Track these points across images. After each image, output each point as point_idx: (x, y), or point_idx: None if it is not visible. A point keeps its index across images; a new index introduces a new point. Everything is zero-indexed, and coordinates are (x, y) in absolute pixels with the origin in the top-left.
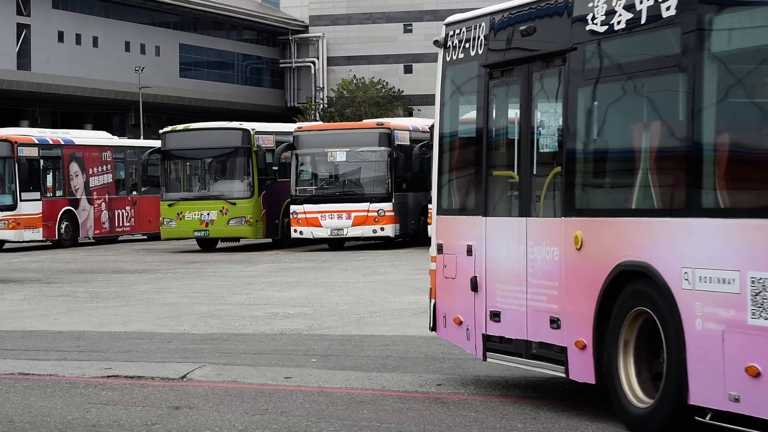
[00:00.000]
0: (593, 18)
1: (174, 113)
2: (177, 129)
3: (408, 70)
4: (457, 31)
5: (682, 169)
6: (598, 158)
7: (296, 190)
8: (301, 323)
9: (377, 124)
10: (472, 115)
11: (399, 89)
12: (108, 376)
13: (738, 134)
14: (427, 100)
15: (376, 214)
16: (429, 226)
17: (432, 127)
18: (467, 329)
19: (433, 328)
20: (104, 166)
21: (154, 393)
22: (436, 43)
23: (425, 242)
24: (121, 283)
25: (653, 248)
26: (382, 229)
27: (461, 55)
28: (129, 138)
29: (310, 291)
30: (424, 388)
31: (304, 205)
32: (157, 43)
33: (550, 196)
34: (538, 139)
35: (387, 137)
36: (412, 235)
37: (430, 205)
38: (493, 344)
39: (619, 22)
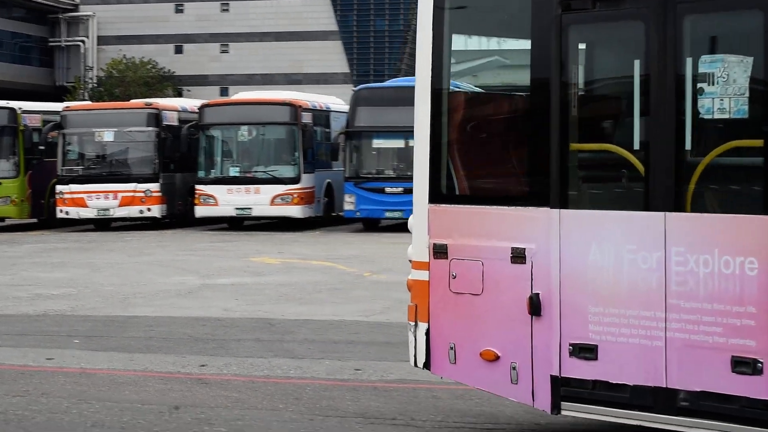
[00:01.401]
0: None
1: None
2: None
3: (179, 50)
4: None
5: None
6: None
7: (63, 169)
8: (65, 304)
9: (145, 104)
10: (517, 60)
11: (169, 69)
12: None
13: None
14: (198, 80)
15: (143, 194)
16: (198, 207)
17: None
18: (514, 368)
19: (427, 364)
20: None
21: None
22: None
23: (193, 223)
24: None
25: None
26: (149, 209)
27: None
28: None
29: (75, 272)
30: (186, 369)
31: (71, 185)
32: None
33: (725, 183)
34: (696, 101)
35: (155, 117)
36: (179, 216)
37: (199, 186)
38: (574, 391)
39: None
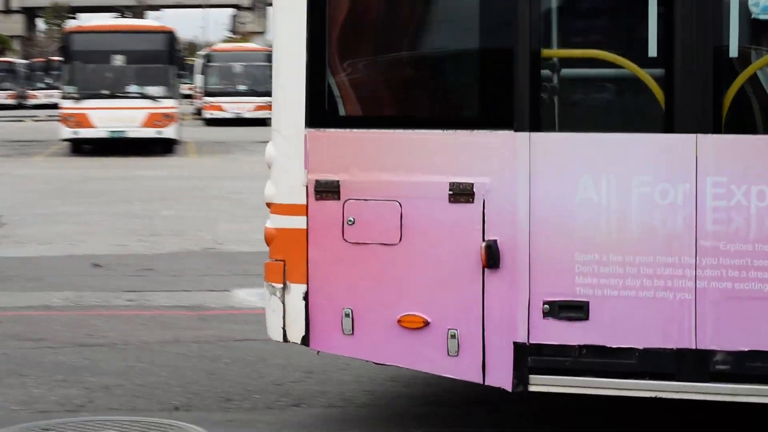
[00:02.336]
0: None
1: None
2: None
3: None
4: None
5: None
6: None
7: None
8: None
9: None
10: None
11: None
12: None
13: None
14: None
15: None
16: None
17: None
18: (453, 337)
19: (306, 338)
20: None
21: None
22: None
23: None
24: None
25: None
26: None
27: None
28: None
29: None
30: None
31: None
32: None
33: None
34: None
35: None
36: None
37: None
38: (550, 360)
39: None
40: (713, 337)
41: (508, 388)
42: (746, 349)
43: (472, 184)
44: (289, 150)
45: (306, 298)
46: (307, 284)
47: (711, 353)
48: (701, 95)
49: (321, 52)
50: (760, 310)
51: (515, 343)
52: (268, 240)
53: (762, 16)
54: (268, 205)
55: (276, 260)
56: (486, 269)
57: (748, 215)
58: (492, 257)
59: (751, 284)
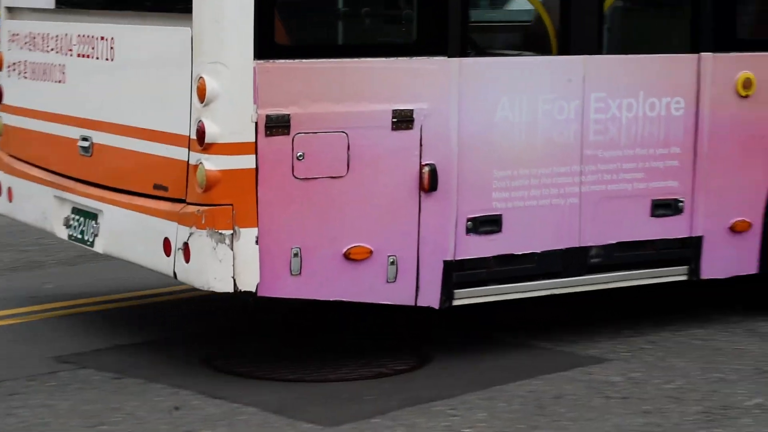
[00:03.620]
0: None
1: None
2: None
3: None
4: None
5: None
6: None
7: None
8: None
9: None
10: None
11: None
12: None
13: None
14: None
15: None
16: None
17: None
18: (392, 263)
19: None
20: None
21: None
22: None
23: None
24: None
25: None
26: None
27: None
28: None
29: None
30: None
31: None
32: None
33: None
34: None
35: None
36: None
37: None
38: (470, 274)
39: None
40: (590, 234)
41: (436, 306)
42: (614, 242)
43: (412, 110)
44: (235, 84)
45: (257, 242)
46: (258, 227)
47: (588, 249)
48: (588, 21)
49: None
50: (625, 207)
51: (444, 262)
52: (211, 183)
53: None
54: (208, 145)
55: (222, 205)
56: (423, 193)
57: (619, 125)
58: (431, 181)
59: (619, 185)
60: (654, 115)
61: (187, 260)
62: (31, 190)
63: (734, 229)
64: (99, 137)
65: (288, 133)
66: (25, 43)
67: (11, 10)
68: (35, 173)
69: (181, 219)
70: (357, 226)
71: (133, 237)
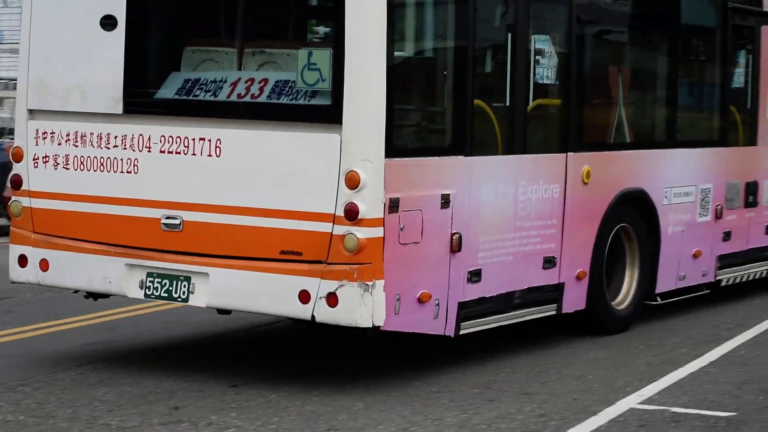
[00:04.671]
0: None
1: None
2: None
3: None
4: None
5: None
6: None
7: None
8: None
9: None
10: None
11: None
12: None
13: None
14: None
15: None
16: None
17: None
18: (437, 304)
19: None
20: None
21: None
22: None
23: None
24: None
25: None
26: None
27: None
28: None
29: None
30: None
31: None
32: None
33: (545, 130)
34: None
35: None
36: None
37: None
38: (467, 311)
39: None
40: (516, 282)
41: (452, 335)
42: (526, 287)
43: (449, 194)
44: (376, 176)
45: (384, 290)
46: (384, 279)
47: (514, 293)
48: (514, 129)
49: (390, 104)
50: (530, 262)
51: (458, 303)
52: (361, 248)
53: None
54: (358, 221)
55: (366, 263)
56: (451, 253)
57: (530, 204)
58: (459, 244)
59: (528, 247)
60: (546, 197)
61: (333, 305)
62: (77, 260)
63: (578, 277)
64: (192, 216)
65: (397, 211)
66: (66, 140)
67: (36, 112)
68: (86, 246)
69: (325, 275)
70: (424, 278)
71: (254, 291)
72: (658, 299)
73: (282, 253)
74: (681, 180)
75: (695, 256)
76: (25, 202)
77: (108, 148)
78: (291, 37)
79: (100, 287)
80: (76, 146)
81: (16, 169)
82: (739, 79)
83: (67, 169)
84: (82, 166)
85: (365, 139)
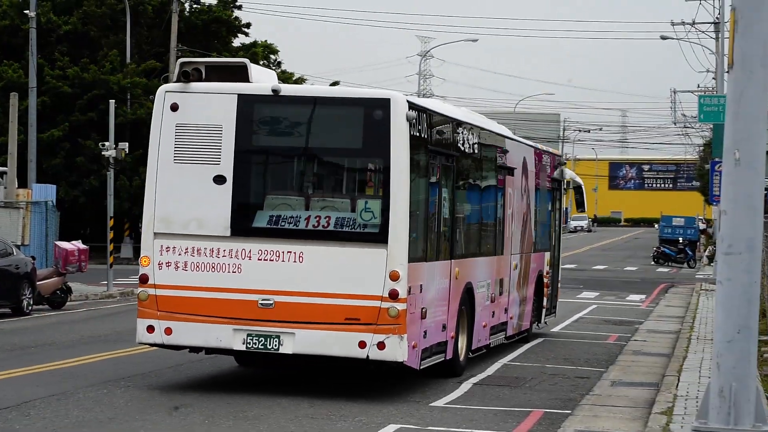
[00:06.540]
0: None
1: None
2: None
3: None
4: None
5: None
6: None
7: None
8: None
9: None
10: None
11: None
12: None
13: None
14: None
15: None
16: None
17: None
18: (414, 349)
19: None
20: None
21: None
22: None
23: None
24: None
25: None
26: None
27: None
28: None
29: None
30: None
31: None
32: None
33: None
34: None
35: None
36: None
37: None
38: (423, 354)
39: None
40: (434, 338)
41: (418, 367)
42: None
43: (422, 285)
44: (406, 273)
45: (407, 340)
46: (407, 334)
47: (433, 345)
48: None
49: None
50: (437, 324)
51: (422, 349)
52: (399, 315)
53: None
54: (398, 299)
55: (400, 324)
56: (422, 318)
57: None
58: (423, 314)
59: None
60: (443, 287)
61: (382, 349)
62: (195, 327)
63: (452, 337)
64: (282, 298)
65: (410, 293)
66: (184, 252)
67: (159, 234)
68: (201, 318)
69: (377, 331)
70: (414, 333)
71: (328, 343)
72: (470, 354)
73: (346, 319)
74: (483, 276)
75: (484, 326)
76: (151, 291)
77: (218, 257)
78: (344, 191)
79: (213, 344)
80: (193, 256)
81: (143, 270)
82: (497, 213)
83: (186, 270)
84: (197, 268)
85: (401, 253)
